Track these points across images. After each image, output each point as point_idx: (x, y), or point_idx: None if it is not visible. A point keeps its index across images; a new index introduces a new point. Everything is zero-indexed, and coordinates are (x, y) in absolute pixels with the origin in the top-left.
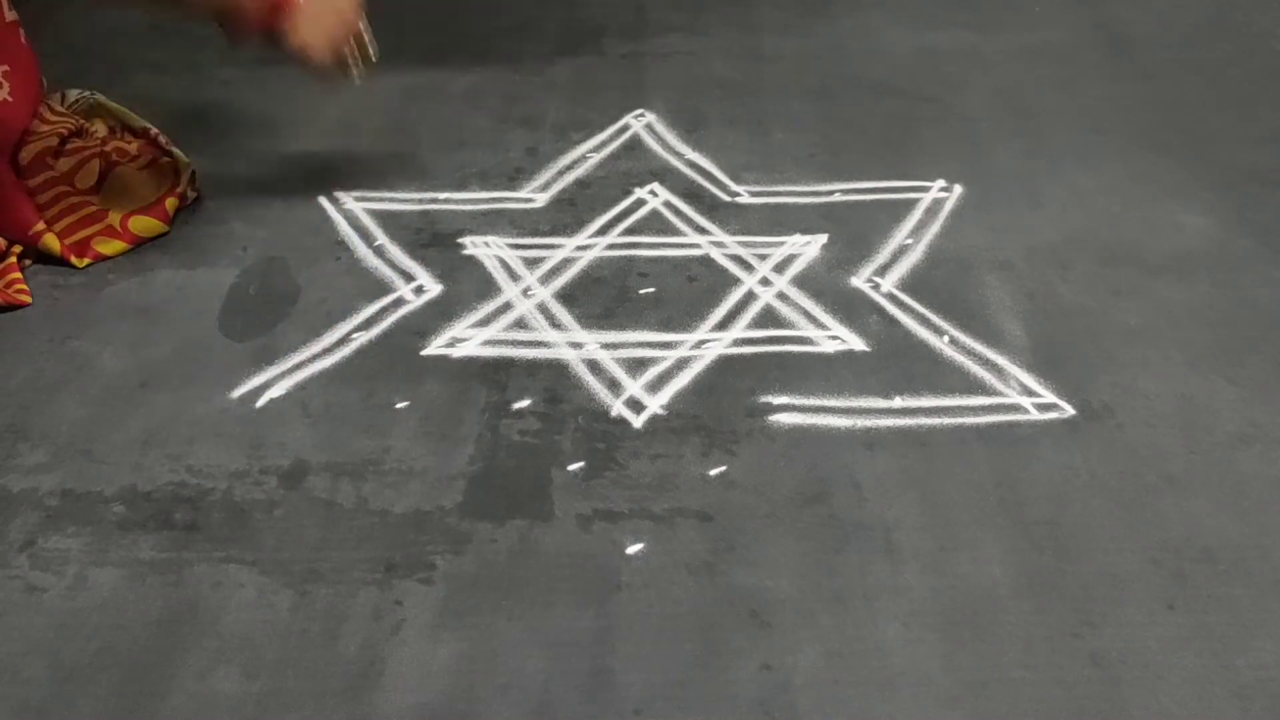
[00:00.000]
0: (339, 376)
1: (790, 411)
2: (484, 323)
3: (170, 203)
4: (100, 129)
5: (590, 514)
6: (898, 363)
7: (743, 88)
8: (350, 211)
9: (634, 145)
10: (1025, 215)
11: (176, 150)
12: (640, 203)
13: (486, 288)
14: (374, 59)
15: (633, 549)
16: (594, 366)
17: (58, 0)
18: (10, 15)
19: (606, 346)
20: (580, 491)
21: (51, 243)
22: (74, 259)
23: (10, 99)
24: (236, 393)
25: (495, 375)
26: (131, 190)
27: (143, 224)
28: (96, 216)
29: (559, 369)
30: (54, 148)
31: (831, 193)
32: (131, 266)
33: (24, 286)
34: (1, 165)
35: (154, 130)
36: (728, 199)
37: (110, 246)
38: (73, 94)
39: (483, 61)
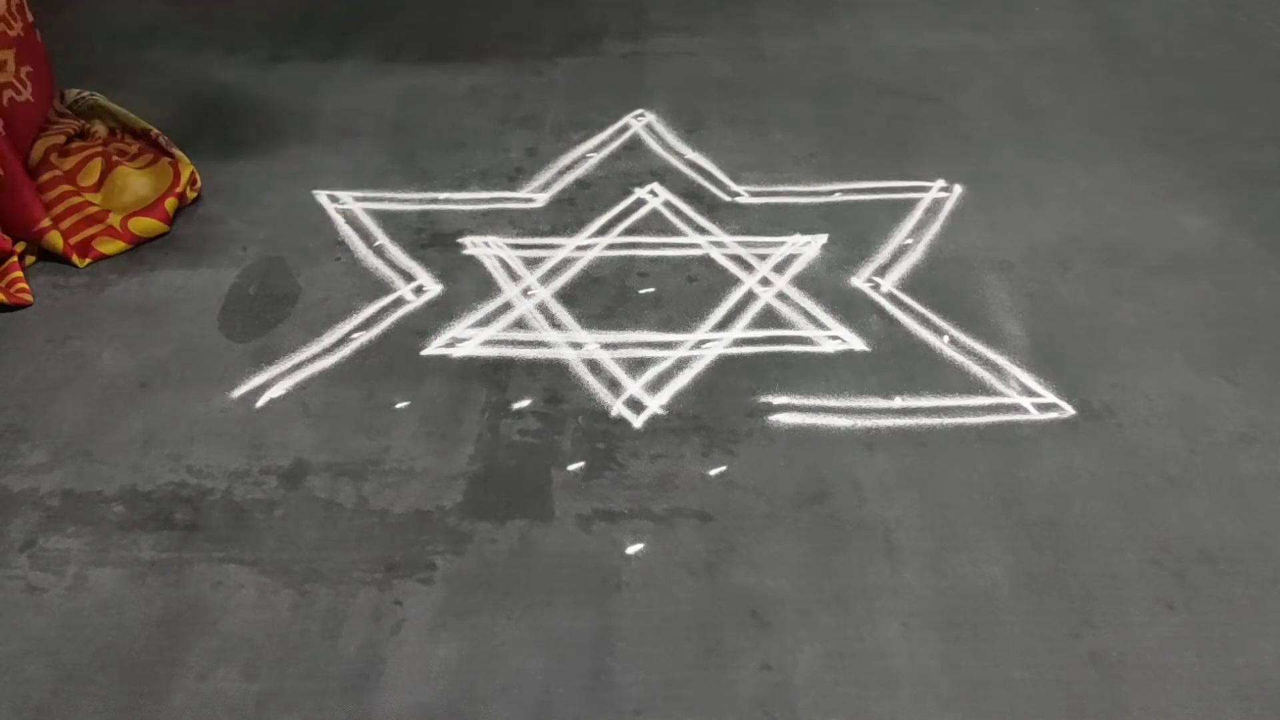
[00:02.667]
0: (339, 376)
1: (790, 411)
2: (484, 323)
3: (170, 203)
4: (101, 130)
5: (590, 514)
6: (898, 363)
7: (743, 88)
8: (350, 211)
9: (634, 145)
10: (1025, 215)
11: (177, 151)
12: (640, 203)
13: (486, 288)
14: None
15: (633, 549)
16: (594, 366)
17: (58, 2)
18: (29, 16)
19: (606, 346)
20: (580, 491)
21: (55, 240)
22: (76, 258)
23: (32, 99)
24: (236, 393)
25: (495, 375)
26: (131, 190)
27: (143, 225)
28: (98, 217)
29: (559, 369)
30: (59, 145)
31: (831, 193)
32: (131, 266)
33: (25, 286)
34: (16, 161)
35: (155, 131)
36: (728, 199)
37: (111, 246)
38: (72, 94)
39: (483, 61)
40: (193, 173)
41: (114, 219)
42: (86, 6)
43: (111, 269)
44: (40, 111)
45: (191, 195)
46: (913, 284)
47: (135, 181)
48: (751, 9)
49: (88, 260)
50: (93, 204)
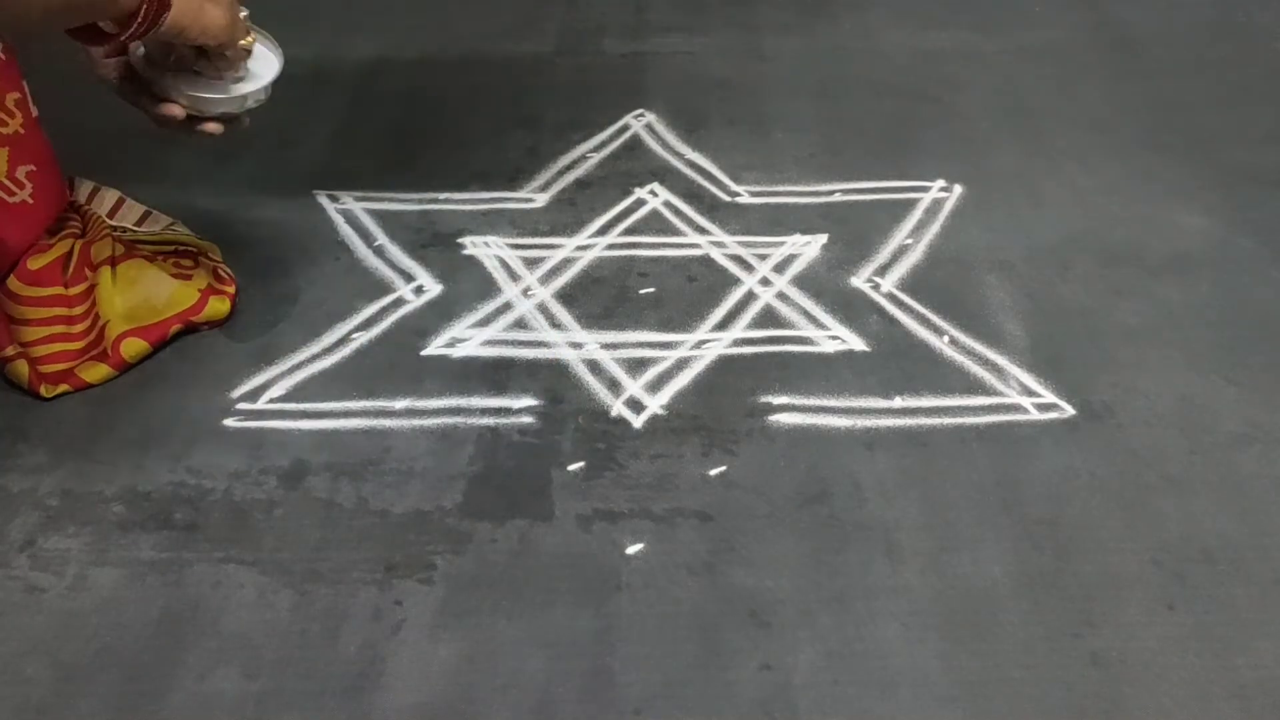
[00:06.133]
0: (339, 376)
1: (790, 411)
2: (484, 323)
3: (176, 328)
4: (103, 216)
5: (590, 514)
6: (898, 363)
7: (743, 88)
8: (350, 211)
9: (634, 145)
10: (1025, 215)
11: (224, 271)
12: (640, 203)
13: (486, 288)
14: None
15: (633, 549)
16: (594, 366)
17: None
18: (34, 110)
19: (606, 346)
20: (580, 491)
21: (20, 370)
22: (43, 388)
23: (31, 200)
24: (236, 393)
25: (495, 375)
26: (141, 289)
27: (135, 348)
28: (93, 343)
29: (559, 369)
30: (64, 256)
31: (831, 193)
32: None
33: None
34: None
35: (216, 260)
36: (728, 199)
37: (94, 373)
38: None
39: (483, 61)
40: (231, 303)
41: (110, 331)
42: None
43: None
44: (41, 217)
45: (203, 323)
46: (913, 284)
47: (149, 278)
48: (751, 9)
49: (60, 389)
50: (86, 324)
